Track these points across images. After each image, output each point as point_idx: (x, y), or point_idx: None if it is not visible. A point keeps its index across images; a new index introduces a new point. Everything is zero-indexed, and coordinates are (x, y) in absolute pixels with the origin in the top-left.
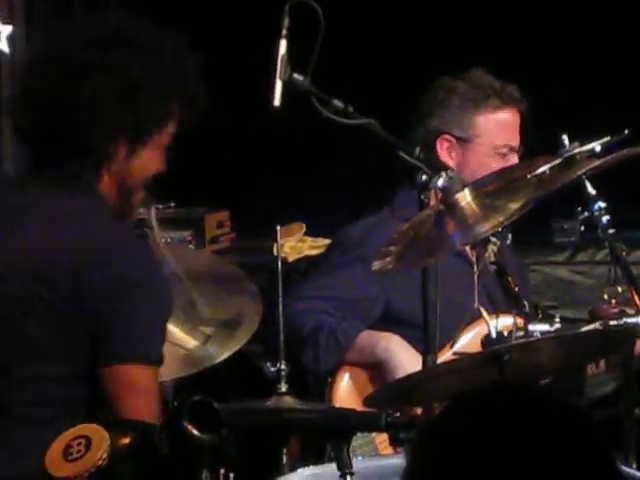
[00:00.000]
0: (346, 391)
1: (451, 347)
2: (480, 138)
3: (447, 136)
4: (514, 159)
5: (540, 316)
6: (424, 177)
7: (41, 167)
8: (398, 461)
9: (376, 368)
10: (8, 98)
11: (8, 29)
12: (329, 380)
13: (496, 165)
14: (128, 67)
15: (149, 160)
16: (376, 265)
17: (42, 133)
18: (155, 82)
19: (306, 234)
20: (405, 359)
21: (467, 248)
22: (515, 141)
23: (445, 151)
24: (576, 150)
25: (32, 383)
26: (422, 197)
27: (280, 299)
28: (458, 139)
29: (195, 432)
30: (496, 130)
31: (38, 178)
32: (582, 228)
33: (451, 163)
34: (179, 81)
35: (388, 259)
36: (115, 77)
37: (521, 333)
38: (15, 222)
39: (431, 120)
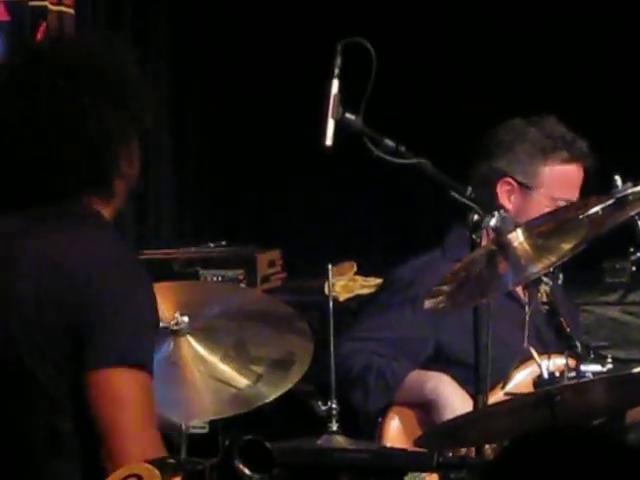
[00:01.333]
0: (396, 431)
1: (502, 387)
2: (542, 188)
3: (510, 179)
4: None
5: (592, 357)
6: (476, 217)
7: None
8: None
9: (425, 408)
10: None
11: None
12: (379, 420)
13: None
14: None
15: (137, 152)
16: (428, 304)
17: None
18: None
19: (357, 273)
20: (454, 399)
21: (519, 288)
22: (574, 196)
23: (505, 193)
24: (629, 190)
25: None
26: (474, 237)
27: (331, 338)
28: (520, 184)
29: (246, 471)
30: (559, 183)
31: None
32: (633, 268)
33: (509, 206)
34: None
35: (440, 298)
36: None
37: (573, 374)
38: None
39: (497, 160)
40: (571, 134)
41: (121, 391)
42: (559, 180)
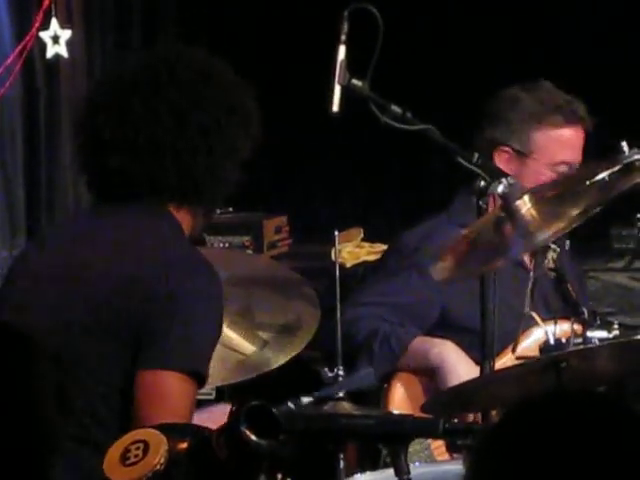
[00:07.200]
0: (401, 398)
1: (513, 352)
2: (537, 154)
3: (506, 148)
4: None
5: (598, 323)
6: (483, 183)
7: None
8: (455, 467)
9: (430, 374)
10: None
11: (67, 34)
12: (385, 386)
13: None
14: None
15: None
16: (434, 272)
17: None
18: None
19: (364, 240)
20: (458, 365)
21: (525, 254)
22: (575, 158)
23: (503, 163)
24: (636, 156)
25: (87, 402)
26: (480, 203)
27: (338, 304)
28: (516, 152)
29: (253, 437)
30: (555, 147)
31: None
32: None
33: None
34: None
35: (446, 266)
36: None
37: (579, 340)
38: (83, 242)
39: (492, 130)
40: (565, 97)
41: (174, 395)
42: (555, 145)
